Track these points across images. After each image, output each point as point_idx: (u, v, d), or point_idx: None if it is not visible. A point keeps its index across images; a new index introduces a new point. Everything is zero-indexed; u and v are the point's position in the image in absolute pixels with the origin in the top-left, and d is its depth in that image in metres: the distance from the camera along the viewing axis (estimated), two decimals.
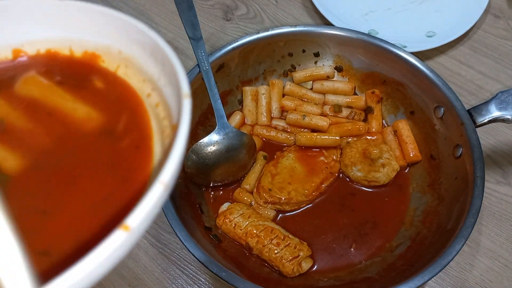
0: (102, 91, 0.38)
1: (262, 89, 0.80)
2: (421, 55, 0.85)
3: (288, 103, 0.79)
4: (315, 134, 0.76)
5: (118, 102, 0.37)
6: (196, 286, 0.68)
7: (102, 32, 0.38)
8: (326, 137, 0.75)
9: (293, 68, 0.83)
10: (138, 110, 0.37)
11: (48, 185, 0.32)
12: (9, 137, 0.34)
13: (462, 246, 0.58)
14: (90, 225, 0.30)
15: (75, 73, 0.38)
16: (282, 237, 0.65)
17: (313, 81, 0.82)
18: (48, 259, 0.28)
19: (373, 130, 0.78)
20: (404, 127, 0.77)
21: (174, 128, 0.33)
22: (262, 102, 0.80)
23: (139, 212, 0.25)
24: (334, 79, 0.83)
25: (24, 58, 0.38)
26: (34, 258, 0.25)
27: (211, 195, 0.73)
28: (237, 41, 0.75)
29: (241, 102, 0.81)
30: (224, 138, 0.70)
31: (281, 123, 0.79)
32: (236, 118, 0.79)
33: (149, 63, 0.37)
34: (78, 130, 0.35)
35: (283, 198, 0.70)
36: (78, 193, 0.32)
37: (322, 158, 0.75)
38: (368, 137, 0.77)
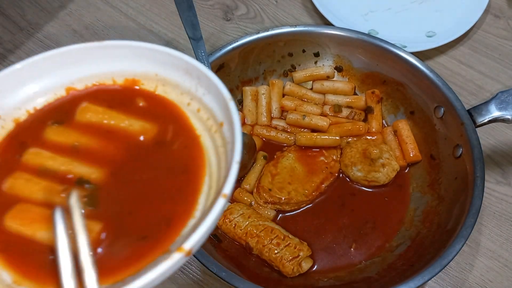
0: (147, 107, 0.44)
1: (262, 89, 0.80)
2: (421, 55, 0.85)
3: (288, 103, 0.79)
4: (315, 134, 0.76)
5: (163, 114, 0.44)
6: (196, 286, 0.68)
7: (138, 61, 0.45)
8: (326, 137, 0.75)
9: (293, 68, 0.83)
10: (180, 118, 0.43)
11: (127, 189, 0.39)
12: (86, 156, 0.41)
13: (462, 246, 0.58)
14: (156, 217, 0.37)
15: (121, 97, 0.45)
16: (282, 237, 0.65)
17: (313, 81, 0.82)
18: (145, 242, 0.36)
19: (373, 130, 0.78)
20: (404, 127, 0.77)
21: (221, 125, 0.40)
22: (262, 102, 0.80)
23: (194, 237, 0.31)
24: (334, 79, 0.83)
25: (75, 93, 0.45)
26: (134, 244, 0.35)
27: None
28: (237, 41, 0.75)
29: (241, 102, 0.81)
30: None
31: (281, 123, 0.79)
32: None
33: (185, 79, 0.44)
34: (137, 142, 0.42)
35: (283, 198, 0.70)
36: (149, 193, 0.39)
37: (322, 158, 0.75)
38: (368, 137, 0.77)
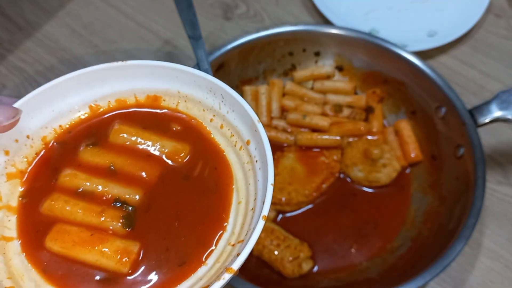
0: (177, 130, 0.45)
1: (262, 88, 0.80)
2: (422, 55, 0.85)
3: (288, 102, 0.79)
4: (315, 134, 0.75)
5: (192, 135, 0.45)
6: None
7: (160, 80, 0.46)
8: (327, 137, 0.75)
9: (294, 68, 0.83)
10: (206, 137, 0.45)
11: (162, 211, 0.40)
12: (121, 178, 0.42)
13: (463, 246, 0.58)
14: (193, 239, 0.39)
15: (152, 119, 0.46)
16: (283, 238, 0.65)
17: (314, 80, 0.82)
18: (183, 267, 0.38)
19: (374, 130, 0.78)
20: (405, 127, 0.76)
21: (248, 143, 0.42)
22: (262, 101, 0.80)
23: (242, 257, 0.33)
24: (335, 78, 0.82)
25: (107, 114, 0.47)
26: (173, 270, 0.37)
27: None
28: (237, 40, 0.75)
29: None
30: None
31: (281, 123, 0.79)
32: None
33: (208, 97, 0.45)
34: (170, 164, 0.43)
35: (283, 199, 0.69)
36: (184, 215, 0.40)
37: (322, 158, 0.74)
38: (369, 137, 0.77)
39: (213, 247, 0.38)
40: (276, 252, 0.64)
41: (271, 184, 0.37)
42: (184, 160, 0.43)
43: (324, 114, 0.79)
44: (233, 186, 0.41)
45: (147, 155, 0.43)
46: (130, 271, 0.37)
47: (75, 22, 0.93)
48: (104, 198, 0.41)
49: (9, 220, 0.40)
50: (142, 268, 0.38)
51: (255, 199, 0.39)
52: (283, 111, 0.80)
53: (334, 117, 0.78)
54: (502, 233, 0.72)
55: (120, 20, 0.93)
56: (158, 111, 0.46)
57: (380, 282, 0.63)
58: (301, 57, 0.82)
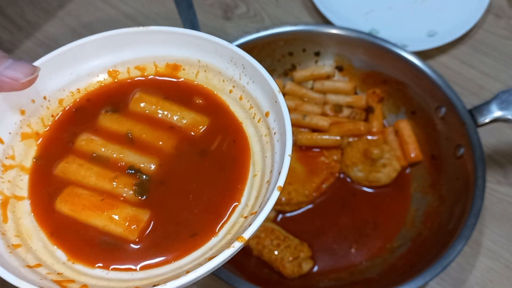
0: (200, 102, 0.44)
1: None
2: (422, 55, 0.85)
3: (288, 102, 0.79)
4: (315, 134, 0.75)
5: (213, 108, 0.44)
6: (196, 286, 0.68)
7: (181, 47, 0.45)
8: (327, 137, 0.75)
9: (294, 68, 0.83)
10: (225, 109, 0.44)
11: (177, 182, 0.40)
12: (138, 146, 0.41)
13: (463, 246, 0.58)
14: (206, 211, 0.38)
15: (172, 89, 0.45)
16: (283, 238, 0.65)
17: (314, 80, 0.82)
18: (195, 238, 0.37)
19: (374, 130, 0.78)
20: (405, 127, 0.76)
21: (267, 114, 0.41)
22: None
23: (253, 227, 0.33)
24: (335, 78, 0.82)
25: (126, 81, 0.46)
26: (184, 240, 0.37)
27: None
28: (237, 40, 0.75)
29: None
30: None
31: None
32: None
33: (228, 67, 0.44)
34: (189, 135, 0.42)
35: (283, 199, 0.69)
36: (199, 187, 0.39)
37: (322, 158, 0.74)
38: (369, 137, 0.77)
39: (226, 219, 0.38)
40: (276, 252, 0.64)
41: (289, 155, 0.36)
42: (203, 133, 0.42)
43: (324, 114, 0.79)
44: (250, 159, 0.41)
45: (166, 126, 0.43)
46: (137, 240, 0.37)
47: (75, 22, 0.93)
48: (119, 165, 0.40)
49: (21, 180, 0.40)
50: (151, 237, 0.37)
51: (271, 171, 0.39)
52: None
53: (334, 117, 0.78)
54: (502, 233, 0.72)
55: (120, 20, 0.93)
56: (177, 80, 0.46)
57: (380, 282, 0.63)
58: (301, 57, 0.82)
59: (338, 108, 0.78)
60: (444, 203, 0.68)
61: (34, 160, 0.42)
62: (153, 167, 0.40)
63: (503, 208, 0.74)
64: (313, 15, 0.96)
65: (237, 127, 0.43)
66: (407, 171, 0.75)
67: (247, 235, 0.34)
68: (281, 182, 0.35)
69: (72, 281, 0.35)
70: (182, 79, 0.45)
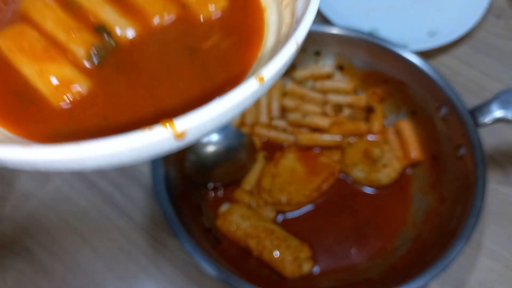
0: None
1: None
2: (423, 54, 0.85)
3: (288, 102, 0.79)
4: (316, 134, 0.75)
5: None
6: (195, 287, 0.68)
7: None
8: (327, 137, 0.74)
9: (294, 67, 0.83)
10: None
11: (157, 60, 0.32)
12: (126, 7, 0.34)
13: (464, 246, 0.58)
14: (195, 91, 0.31)
15: None
16: (283, 238, 0.65)
17: (314, 80, 0.82)
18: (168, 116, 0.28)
19: (375, 130, 0.78)
20: (406, 127, 0.76)
21: None
22: (262, 101, 0.79)
23: (273, 67, 0.28)
24: (335, 78, 0.82)
25: None
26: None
27: (211, 196, 0.72)
28: None
29: None
30: (223, 138, 0.69)
31: (281, 123, 0.79)
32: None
33: None
34: (196, 18, 0.35)
35: (283, 199, 0.69)
36: (187, 67, 0.32)
37: (323, 158, 0.74)
38: (370, 137, 0.77)
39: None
40: (276, 253, 0.64)
41: (296, 42, 0.31)
42: (212, 21, 0.35)
43: (324, 114, 0.79)
44: (261, 47, 0.35)
45: None
46: (57, 107, 0.30)
47: None
48: (90, 18, 0.33)
49: None
50: (76, 114, 0.30)
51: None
52: (283, 111, 0.80)
53: (335, 117, 0.78)
54: (503, 233, 0.72)
55: None
56: None
57: (380, 282, 0.62)
58: (301, 57, 0.82)
59: (338, 108, 0.78)
60: (444, 203, 0.68)
61: None
62: (130, 35, 0.33)
63: (504, 208, 0.74)
64: None
65: (258, 9, 0.36)
66: (408, 171, 0.75)
67: (264, 73, 0.28)
68: (299, 36, 0.30)
69: None
70: None
